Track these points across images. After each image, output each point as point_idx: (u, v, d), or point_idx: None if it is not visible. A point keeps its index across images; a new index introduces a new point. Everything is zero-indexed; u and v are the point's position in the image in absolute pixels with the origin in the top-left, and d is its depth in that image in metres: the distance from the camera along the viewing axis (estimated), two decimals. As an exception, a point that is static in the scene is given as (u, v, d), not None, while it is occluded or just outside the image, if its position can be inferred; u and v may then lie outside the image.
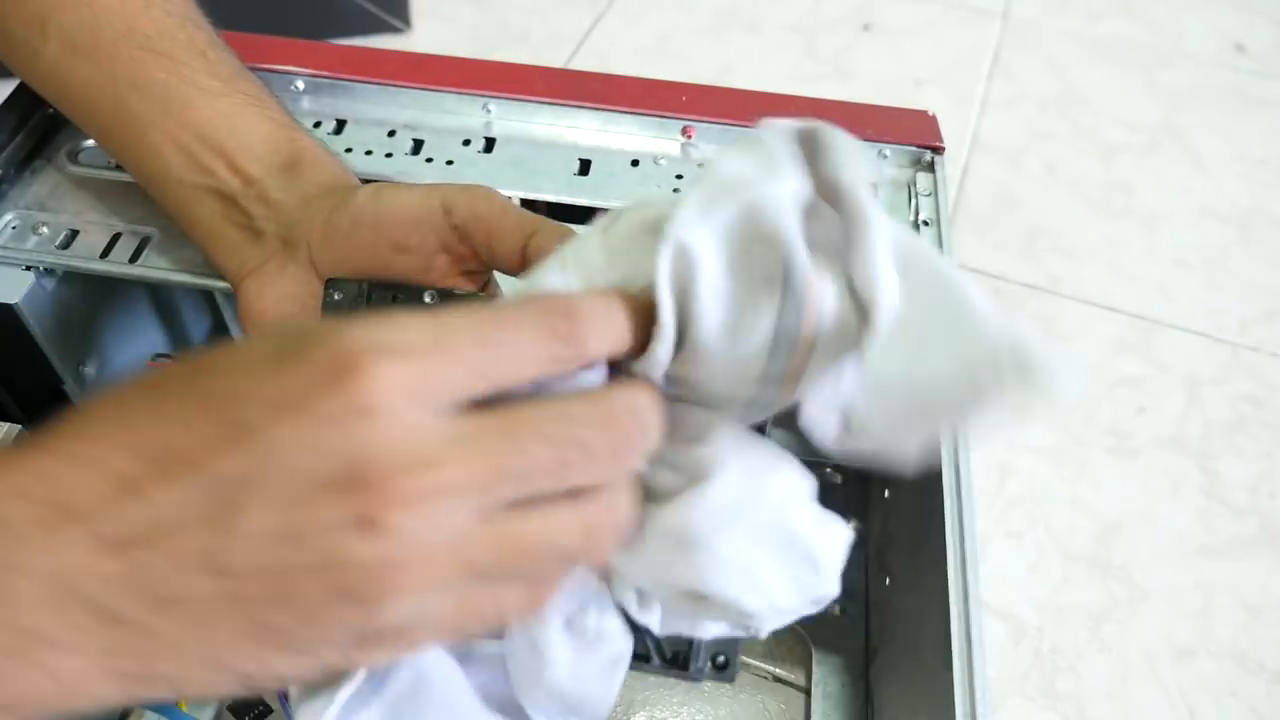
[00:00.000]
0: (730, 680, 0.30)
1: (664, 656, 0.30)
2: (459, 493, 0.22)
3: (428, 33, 1.00)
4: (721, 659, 0.30)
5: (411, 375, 0.21)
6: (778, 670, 0.52)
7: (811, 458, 0.55)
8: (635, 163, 0.48)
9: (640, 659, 0.30)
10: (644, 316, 0.25)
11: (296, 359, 0.22)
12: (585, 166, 0.48)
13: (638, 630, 0.30)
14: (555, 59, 0.98)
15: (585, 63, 0.98)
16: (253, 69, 0.50)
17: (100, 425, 0.22)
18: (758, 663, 0.53)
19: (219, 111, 0.38)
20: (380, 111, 0.50)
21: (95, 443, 0.22)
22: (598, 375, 0.25)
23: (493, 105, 0.50)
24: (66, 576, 0.21)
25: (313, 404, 0.21)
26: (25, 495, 0.21)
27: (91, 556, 0.21)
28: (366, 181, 0.47)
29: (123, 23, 0.38)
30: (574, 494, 0.24)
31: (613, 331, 0.24)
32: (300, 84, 0.50)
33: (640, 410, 0.24)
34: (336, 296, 0.34)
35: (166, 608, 0.21)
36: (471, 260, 0.35)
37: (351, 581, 0.21)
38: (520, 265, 0.34)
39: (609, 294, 0.25)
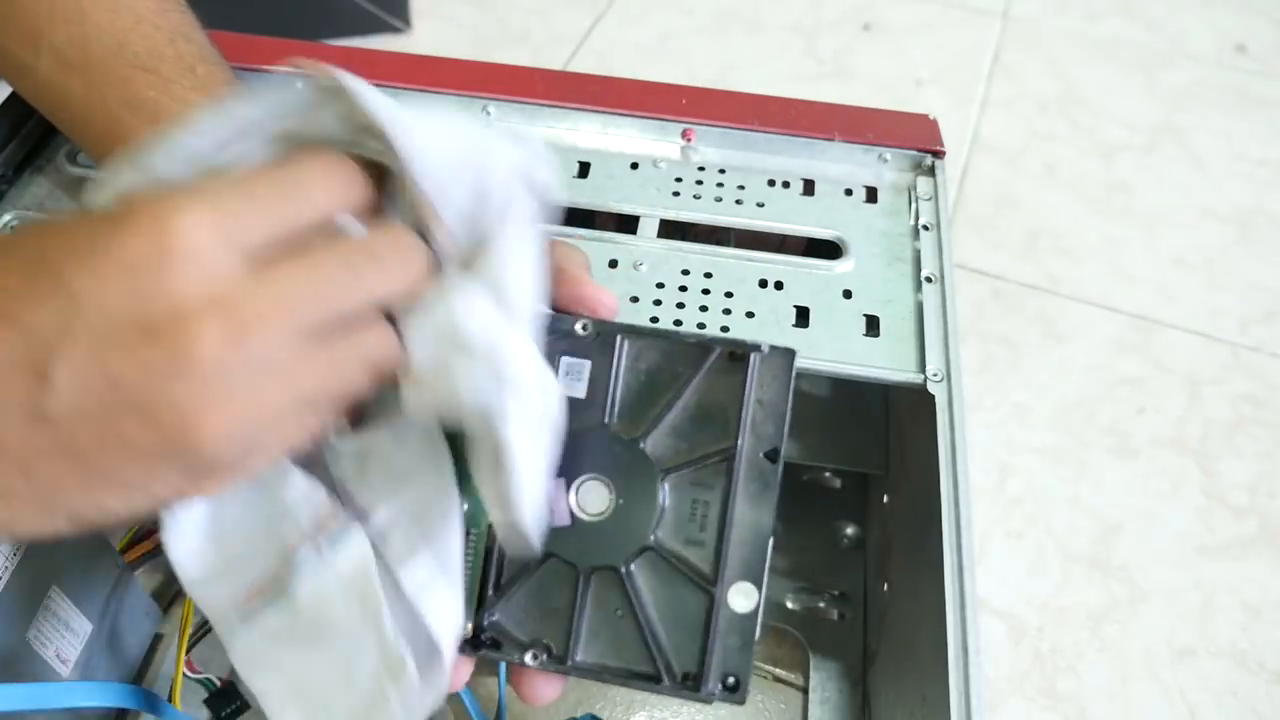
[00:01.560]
0: (741, 702, 0.30)
1: (675, 678, 0.30)
2: (269, 323, 0.23)
3: (427, 33, 0.99)
4: (732, 680, 0.30)
5: (214, 218, 0.23)
6: (777, 670, 0.52)
7: (811, 462, 0.56)
8: (635, 165, 0.48)
9: (651, 680, 0.30)
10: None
11: (108, 216, 0.23)
12: (584, 169, 0.48)
13: (649, 649, 0.30)
14: (555, 59, 0.98)
15: (585, 63, 0.98)
16: (252, 70, 0.50)
17: None
18: (757, 663, 0.53)
19: None
20: (379, 113, 0.50)
21: None
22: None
23: (492, 107, 0.50)
24: None
25: (121, 251, 0.22)
26: None
27: None
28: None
29: (113, 40, 0.38)
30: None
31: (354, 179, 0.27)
32: (300, 85, 0.50)
33: (409, 239, 0.28)
34: None
35: None
36: None
37: (172, 421, 0.22)
38: None
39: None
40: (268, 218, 0.24)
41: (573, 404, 0.31)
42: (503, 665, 0.32)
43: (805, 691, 0.51)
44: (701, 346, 0.31)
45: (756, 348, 0.30)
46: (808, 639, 0.52)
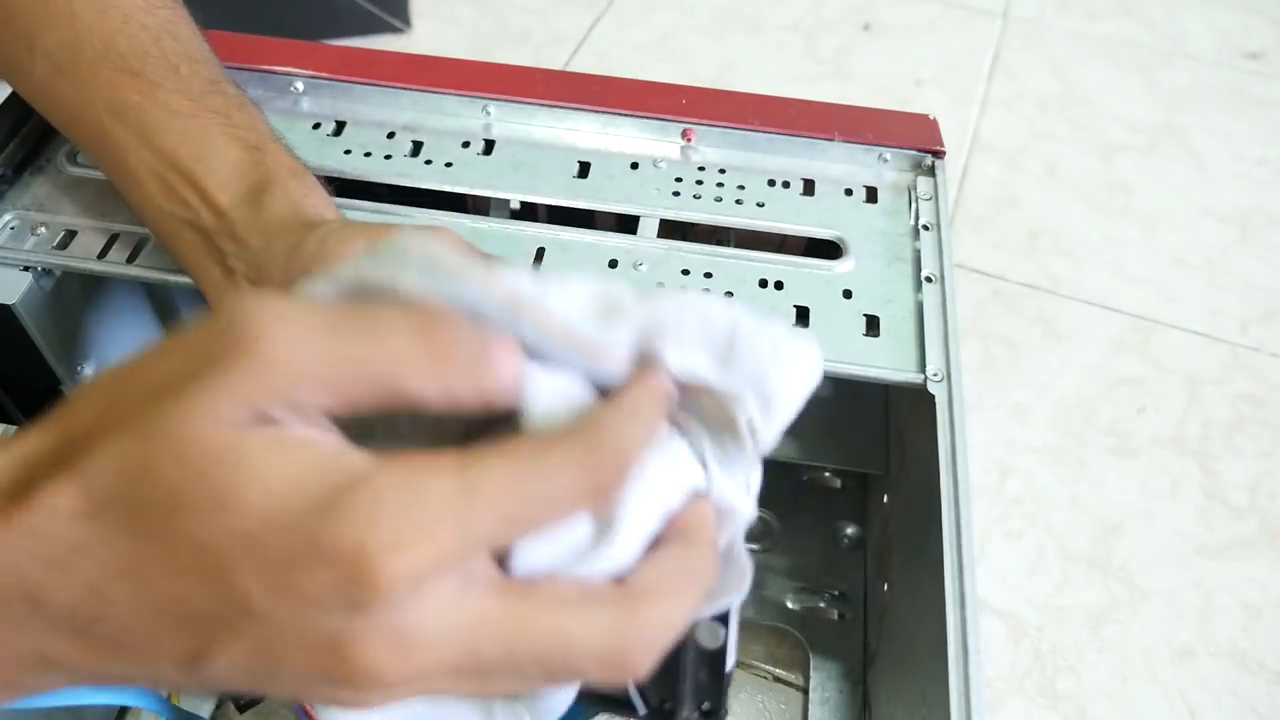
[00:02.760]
0: None
1: (650, 706, 0.31)
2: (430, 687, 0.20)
3: (428, 33, 0.99)
4: (707, 706, 0.31)
5: (421, 564, 0.19)
6: (777, 670, 0.52)
7: (811, 462, 0.56)
8: (635, 165, 0.48)
9: (625, 705, 0.31)
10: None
11: (305, 541, 0.19)
12: (584, 169, 0.48)
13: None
14: (555, 59, 0.98)
15: (585, 63, 0.98)
16: (252, 70, 0.50)
17: None
18: (757, 663, 0.53)
19: (188, 136, 0.37)
20: (380, 113, 0.50)
21: None
22: None
23: (492, 107, 0.50)
24: None
25: (305, 581, 0.19)
26: None
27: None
28: (361, 186, 0.47)
29: (101, 42, 0.38)
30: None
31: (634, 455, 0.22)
32: (300, 85, 0.50)
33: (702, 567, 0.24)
34: None
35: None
36: None
37: (339, 649, 0.19)
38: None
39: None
40: (497, 531, 0.20)
41: None
42: None
43: (805, 691, 0.51)
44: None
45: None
46: (808, 639, 0.52)
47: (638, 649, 0.21)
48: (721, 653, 0.30)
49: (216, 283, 0.36)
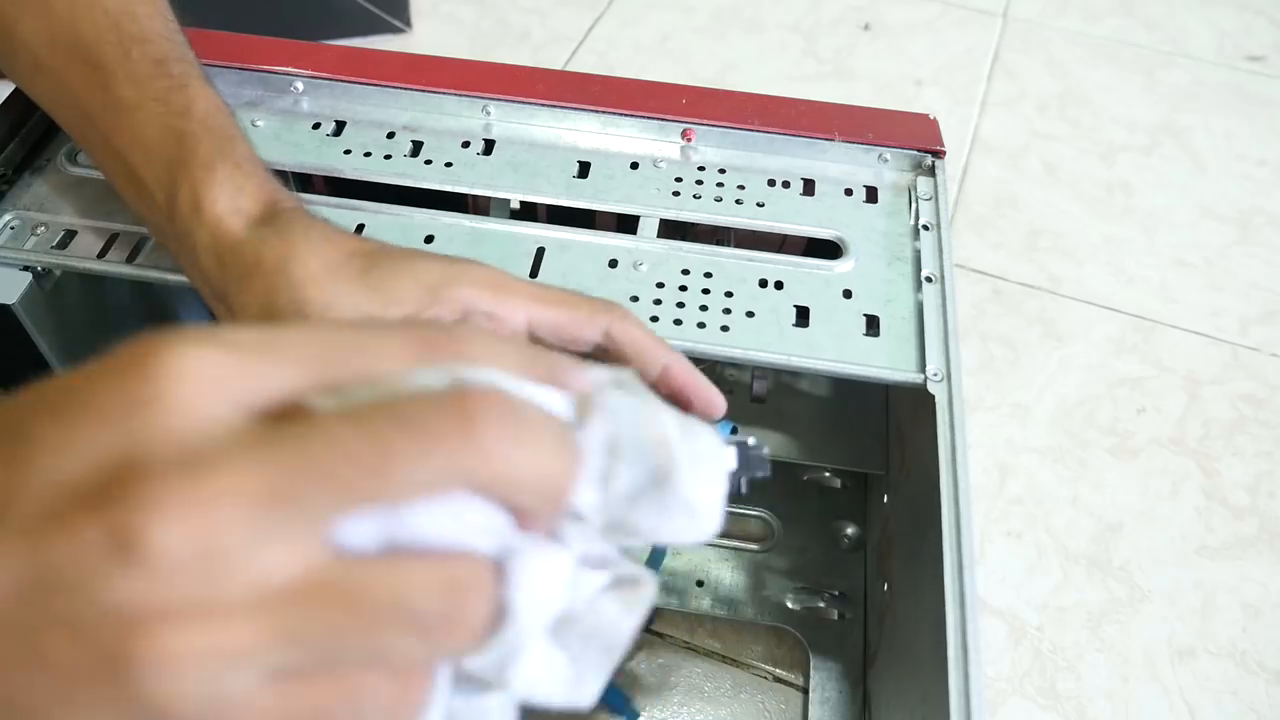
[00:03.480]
0: None
1: None
2: (251, 513, 0.16)
3: (428, 33, 0.99)
4: None
5: (221, 364, 0.17)
6: (777, 670, 0.52)
7: (811, 462, 0.56)
8: (635, 165, 0.48)
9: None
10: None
11: (96, 362, 0.17)
12: (584, 169, 0.48)
13: None
14: (555, 59, 0.98)
15: (585, 63, 0.97)
16: (252, 70, 0.50)
17: None
18: (758, 663, 0.53)
19: (135, 134, 0.35)
20: (380, 113, 0.50)
21: None
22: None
23: (492, 107, 0.50)
24: None
25: (94, 397, 0.16)
26: None
27: None
28: (361, 186, 0.47)
29: (70, 32, 0.37)
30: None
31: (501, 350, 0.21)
32: (299, 85, 0.50)
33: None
34: None
35: None
36: None
37: (107, 636, 0.15)
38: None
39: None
40: (302, 368, 0.18)
41: None
42: None
43: (805, 691, 0.51)
44: None
45: None
46: (808, 639, 0.52)
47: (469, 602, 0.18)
48: None
49: (200, 281, 0.35)
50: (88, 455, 0.16)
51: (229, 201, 0.33)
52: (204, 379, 0.16)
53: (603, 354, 0.32)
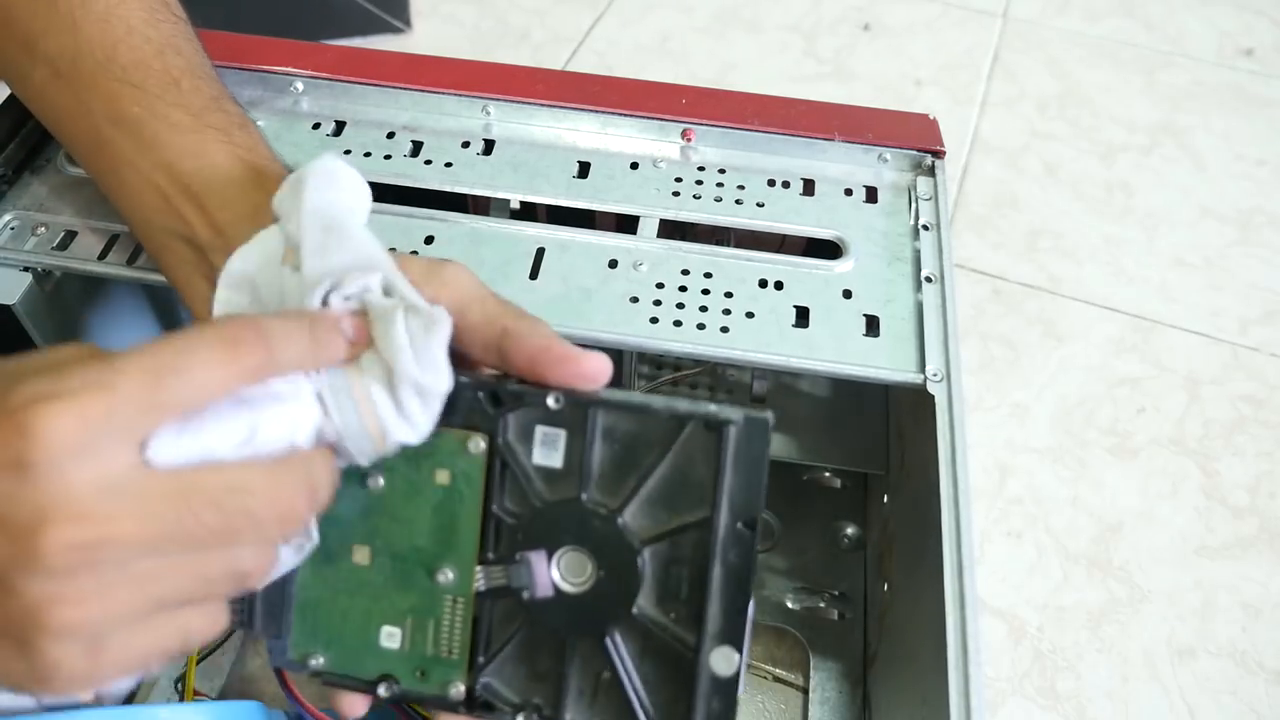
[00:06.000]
0: None
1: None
2: (125, 549, 0.23)
3: (428, 33, 0.99)
4: (716, 704, 0.31)
5: (74, 423, 0.23)
6: (777, 670, 0.52)
7: (811, 462, 0.56)
8: (634, 165, 0.48)
9: None
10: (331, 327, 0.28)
11: None
12: (584, 169, 0.48)
13: (635, 712, 0.31)
14: (555, 59, 0.98)
15: (585, 63, 0.98)
16: (252, 70, 0.50)
17: None
18: (758, 663, 0.53)
19: (187, 150, 0.36)
20: (379, 113, 0.50)
21: None
22: (294, 385, 0.28)
23: (492, 107, 0.50)
24: None
25: None
26: None
27: None
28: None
29: (103, 52, 0.37)
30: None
31: (301, 341, 0.27)
32: (299, 85, 0.50)
33: (315, 480, 0.27)
34: None
35: None
36: None
37: (16, 607, 0.23)
38: (498, 362, 0.31)
39: (293, 310, 0.28)
40: (140, 411, 0.24)
41: (550, 473, 0.31)
42: None
43: (805, 691, 0.51)
44: (676, 418, 0.30)
45: (730, 421, 0.30)
46: (808, 639, 0.52)
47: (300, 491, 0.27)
48: (735, 681, 0.30)
49: (205, 299, 0.35)
50: None
51: None
52: (63, 441, 0.23)
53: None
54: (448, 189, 0.47)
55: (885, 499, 0.51)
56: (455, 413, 0.30)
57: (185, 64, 0.39)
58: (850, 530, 0.56)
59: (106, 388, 0.23)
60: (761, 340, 0.41)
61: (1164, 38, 1.04)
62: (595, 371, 0.30)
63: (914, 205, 0.47)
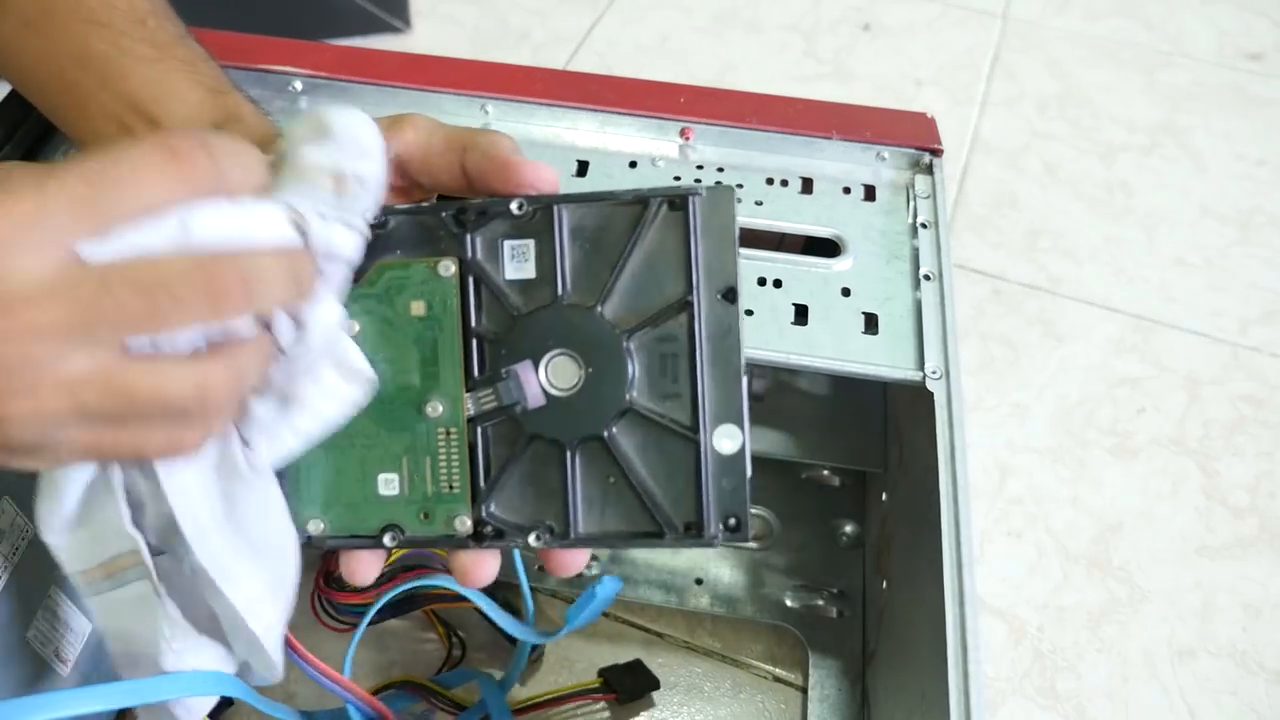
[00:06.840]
0: (745, 539, 0.30)
1: (676, 530, 0.31)
2: (53, 333, 0.24)
3: (427, 33, 1.00)
4: (733, 521, 0.30)
5: (6, 221, 0.23)
6: (777, 669, 0.52)
7: (810, 460, 0.56)
8: (633, 164, 0.48)
9: (655, 536, 0.31)
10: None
11: None
12: (583, 168, 0.48)
13: (647, 508, 0.31)
14: (555, 59, 0.98)
15: (585, 63, 0.98)
16: (252, 70, 0.50)
17: None
18: (757, 663, 0.53)
19: (150, 79, 0.37)
20: (378, 112, 0.49)
21: None
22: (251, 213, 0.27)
23: (490, 106, 0.50)
24: None
25: None
26: None
27: None
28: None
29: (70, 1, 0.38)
30: (201, 351, 0.26)
31: (249, 160, 0.27)
32: (298, 84, 0.50)
33: (251, 267, 0.26)
34: None
35: None
36: (414, 191, 0.35)
37: None
38: (465, 183, 0.33)
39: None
40: (73, 215, 0.24)
41: (524, 285, 0.31)
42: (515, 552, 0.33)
43: (804, 690, 0.51)
44: (639, 201, 0.30)
45: (694, 191, 0.30)
46: (807, 637, 0.52)
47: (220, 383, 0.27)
48: (742, 456, 0.30)
49: None
50: None
51: None
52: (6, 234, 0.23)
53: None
54: (447, 188, 0.47)
55: (884, 497, 0.51)
56: (422, 243, 0.31)
57: (150, 6, 0.39)
58: (849, 528, 0.56)
59: (38, 190, 0.24)
60: (760, 337, 0.41)
61: (1164, 38, 1.04)
62: (555, 175, 0.31)
63: (912, 203, 0.47)
